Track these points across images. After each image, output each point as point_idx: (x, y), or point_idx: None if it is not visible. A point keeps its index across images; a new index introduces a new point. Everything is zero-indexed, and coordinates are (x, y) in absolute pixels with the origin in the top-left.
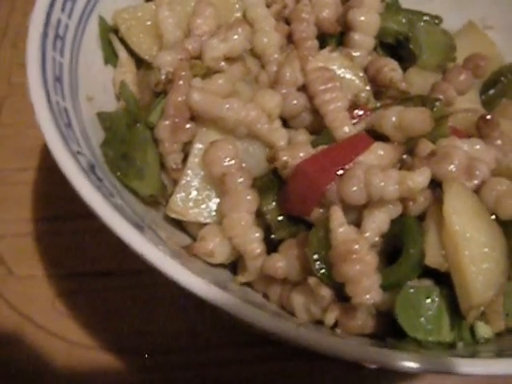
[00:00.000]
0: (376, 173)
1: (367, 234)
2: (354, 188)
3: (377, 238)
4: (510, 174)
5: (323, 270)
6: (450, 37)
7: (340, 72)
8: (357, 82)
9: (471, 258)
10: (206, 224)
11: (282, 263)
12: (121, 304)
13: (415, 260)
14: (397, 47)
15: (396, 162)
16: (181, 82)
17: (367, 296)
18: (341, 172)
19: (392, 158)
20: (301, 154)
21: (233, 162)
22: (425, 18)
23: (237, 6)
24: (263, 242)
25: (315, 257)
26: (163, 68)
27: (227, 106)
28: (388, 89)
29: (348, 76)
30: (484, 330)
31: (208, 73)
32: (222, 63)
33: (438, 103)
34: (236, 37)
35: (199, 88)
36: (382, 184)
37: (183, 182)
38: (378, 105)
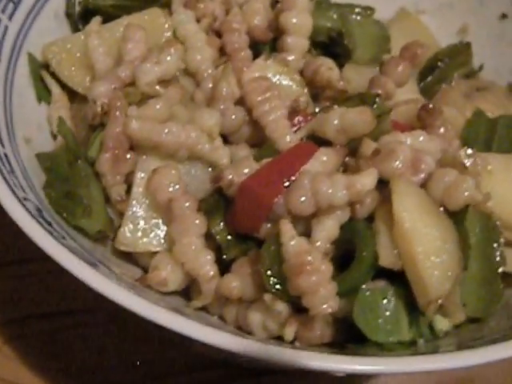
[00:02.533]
0: (323, 180)
1: (318, 243)
2: (302, 198)
3: (328, 246)
4: (455, 162)
5: (278, 286)
6: (383, 27)
7: (276, 79)
8: (294, 86)
9: (425, 254)
10: (156, 253)
11: (236, 283)
12: (70, 343)
13: (369, 263)
14: (330, 45)
15: (340, 165)
16: (117, 113)
17: (325, 306)
18: (287, 184)
19: (336, 162)
20: (245, 171)
21: (177, 187)
22: (356, 10)
23: (166, 25)
24: (215, 264)
25: (268, 273)
26: (98, 100)
27: (166, 130)
28: (325, 90)
29: (285, 82)
30: (442, 324)
31: (144, 99)
32: (157, 87)
33: (377, 99)
34: (169, 58)
35: (136, 116)
36: (330, 191)
37: (129, 213)
38: (317, 108)
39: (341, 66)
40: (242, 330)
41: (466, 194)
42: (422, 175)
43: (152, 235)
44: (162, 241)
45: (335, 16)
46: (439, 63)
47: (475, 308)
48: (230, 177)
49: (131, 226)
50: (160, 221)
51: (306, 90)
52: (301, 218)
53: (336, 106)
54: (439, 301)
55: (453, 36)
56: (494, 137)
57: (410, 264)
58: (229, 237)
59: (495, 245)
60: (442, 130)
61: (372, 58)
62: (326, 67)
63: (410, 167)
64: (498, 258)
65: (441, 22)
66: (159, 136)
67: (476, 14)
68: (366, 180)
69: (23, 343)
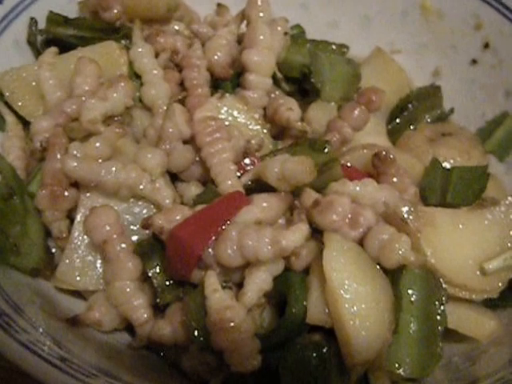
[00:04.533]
0: (249, 234)
1: (248, 295)
2: (229, 251)
3: (260, 297)
4: (396, 217)
5: (202, 338)
6: (354, 66)
7: (233, 117)
8: (252, 125)
9: (352, 315)
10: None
11: (167, 330)
12: None
13: (298, 319)
14: (302, 81)
15: (284, 212)
16: (56, 150)
17: (245, 363)
18: (215, 234)
19: (278, 209)
20: (177, 217)
21: (113, 228)
22: (331, 47)
23: (121, 60)
24: (149, 307)
25: (193, 324)
26: (38, 135)
27: (103, 170)
28: (289, 129)
29: (242, 120)
30: (378, 382)
31: (88, 135)
32: (98, 125)
33: (327, 146)
34: (115, 94)
35: (73, 155)
36: (255, 245)
37: (68, 250)
38: (281, 146)
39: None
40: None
41: (400, 253)
42: (361, 230)
43: (90, 274)
44: (101, 280)
45: (307, 52)
46: (409, 105)
47: (412, 369)
48: (160, 223)
49: (69, 263)
50: (98, 261)
51: (265, 130)
52: (235, 268)
53: (277, 154)
54: (366, 364)
55: (427, 77)
56: (449, 188)
57: (338, 324)
58: (167, 281)
59: (436, 303)
60: (395, 179)
61: (342, 96)
62: (286, 107)
63: (348, 221)
64: (438, 317)
65: (416, 62)
66: (97, 175)
67: (449, 57)
68: (293, 236)
69: None
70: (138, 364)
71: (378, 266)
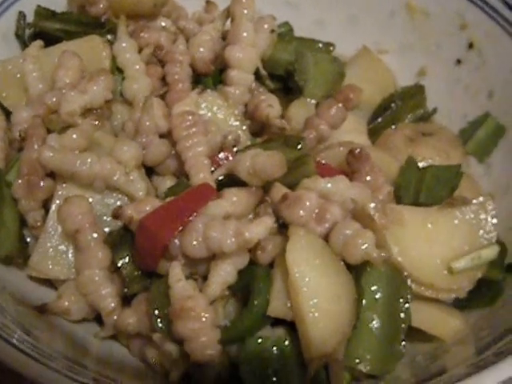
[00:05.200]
0: (214, 225)
1: (212, 287)
2: (194, 242)
3: (223, 290)
4: (363, 214)
5: (163, 327)
6: (339, 64)
7: (212, 112)
8: (231, 121)
9: (312, 307)
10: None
11: (133, 319)
12: None
13: (261, 311)
14: (287, 79)
15: (254, 206)
16: (34, 140)
17: (204, 353)
18: (182, 225)
19: (248, 203)
20: (147, 208)
21: (86, 218)
22: (318, 45)
23: (104, 53)
24: (118, 297)
25: (156, 313)
26: (18, 125)
27: (79, 161)
28: (269, 125)
29: (221, 116)
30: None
31: (66, 127)
32: (77, 117)
33: (301, 142)
34: (95, 87)
35: (50, 146)
36: (219, 237)
37: (41, 239)
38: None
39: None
40: (145, 363)
41: (363, 248)
42: (327, 225)
43: (62, 263)
44: (73, 270)
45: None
46: (392, 104)
47: (372, 365)
48: (129, 213)
49: (42, 252)
50: (70, 250)
51: (244, 126)
52: (200, 260)
53: (251, 148)
54: (323, 359)
55: (413, 77)
56: (422, 187)
57: (298, 317)
58: (136, 271)
59: (401, 301)
60: (368, 177)
61: (324, 94)
62: (266, 104)
63: (314, 217)
64: (402, 315)
65: (402, 62)
66: (72, 166)
67: (434, 57)
68: (256, 229)
69: None
70: (105, 354)
71: (342, 262)
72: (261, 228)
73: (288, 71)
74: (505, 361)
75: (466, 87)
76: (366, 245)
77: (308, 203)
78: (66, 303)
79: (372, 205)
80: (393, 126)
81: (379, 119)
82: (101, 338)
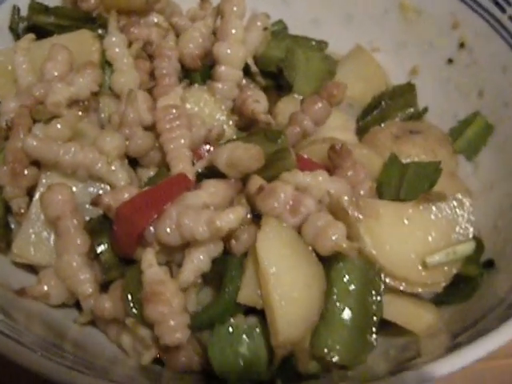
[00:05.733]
0: (187, 213)
1: (185, 273)
2: (168, 229)
3: (195, 278)
4: (338, 207)
5: (135, 311)
6: (330, 62)
7: (199, 107)
8: (217, 115)
9: (280, 297)
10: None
11: (109, 304)
12: None
13: (231, 298)
14: (278, 75)
15: (232, 198)
16: (19, 129)
17: (172, 337)
18: (158, 213)
19: (226, 195)
20: (125, 196)
21: (67, 205)
22: (311, 43)
23: (93, 47)
24: (96, 283)
25: (129, 297)
26: (5, 115)
27: (62, 150)
28: (256, 120)
29: (207, 110)
30: (309, 367)
31: (52, 118)
32: (62, 108)
33: (282, 136)
34: (81, 80)
35: (34, 135)
36: (191, 225)
37: (24, 226)
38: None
39: None
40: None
41: (333, 239)
42: (301, 217)
43: (44, 250)
44: (54, 256)
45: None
46: (382, 102)
47: (342, 355)
48: (107, 200)
49: (25, 238)
50: (52, 237)
51: (230, 121)
52: (175, 247)
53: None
54: (288, 346)
55: (405, 76)
56: (403, 183)
57: (267, 305)
58: (114, 258)
59: (373, 292)
60: (350, 172)
61: (314, 91)
62: (253, 99)
63: (289, 208)
64: (374, 307)
65: (395, 61)
66: (56, 155)
67: (426, 56)
68: (227, 218)
69: None
70: (84, 339)
71: (313, 253)
72: (232, 217)
73: (280, 68)
74: (476, 343)
75: (456, 86)
76: (336, 236)
77: (282, 195)
78: (45, 287)
79: (345, 198)
80: (382, 125)
81: (368, 117)
82: (80, 323)
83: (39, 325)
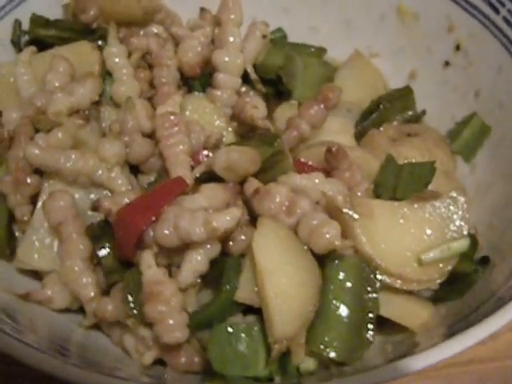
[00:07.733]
0: (184, 215)
1: (183, 274)
2: (165, 231)
3: (194, 278)
4: (332, 207)
5: (135, 311)
6: (329, 68)
7: (198, 114)
8: (217, 122)
9: (275, 294)
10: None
11: (111, 306)
12: None
13: (229, 297)
14: (277, 82)
15: (230, 201)
16: (21, 139)
17: (171, 336)
18: (156, 215)
19: (224, 198)
20: (125, 200)
21: (69, 211)
22: (310, 50)
23: (93, 58)
24: (98, 287)
25: (129, 298)
26: (7, 125)
27: (63, 158)
28: (255, 126)
29: (207, 117)
30: (307, 364)
31: (53, 127)
32: (63, 117)
33: (278, 140)
34: (82, 90)
35: (36, 143)
36: (188, 226)
37: (28, 233)
38: None
39: None
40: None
41: (327, 237)
42: (296, 218)
43: (47, 255)
44: (57, 261)
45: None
46: (380, 106)
47: (339, 352)
48: (107, 204)
49: (28, 245)
50: (55, 243)
51: (230, 128)
52: (174, 249)
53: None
54: (284, 341)
55: (404, 80)
56: (399, 184)
57: (263, 302)
58: (115, 262)
59: (369, 289)
60: (347, 174)
61: (312, 97)
62: (251, 105)
63: (284, 210)
64: (370, 304)
65: (393, 65)
66: (57, 162)
67: (424, 59)
68: (223, 218)
69: None
70: (88, 342)
71: (309, 251)
72: (228, 217)
73: (279, 75)
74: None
75: (454, 89)
76: (330, 234)
77: (278, 196)
78: (49, 292)
79: (340, 197)
80: (380, 128)
81: (367, 121)
82: (84, 327)
83: (44, 328)
